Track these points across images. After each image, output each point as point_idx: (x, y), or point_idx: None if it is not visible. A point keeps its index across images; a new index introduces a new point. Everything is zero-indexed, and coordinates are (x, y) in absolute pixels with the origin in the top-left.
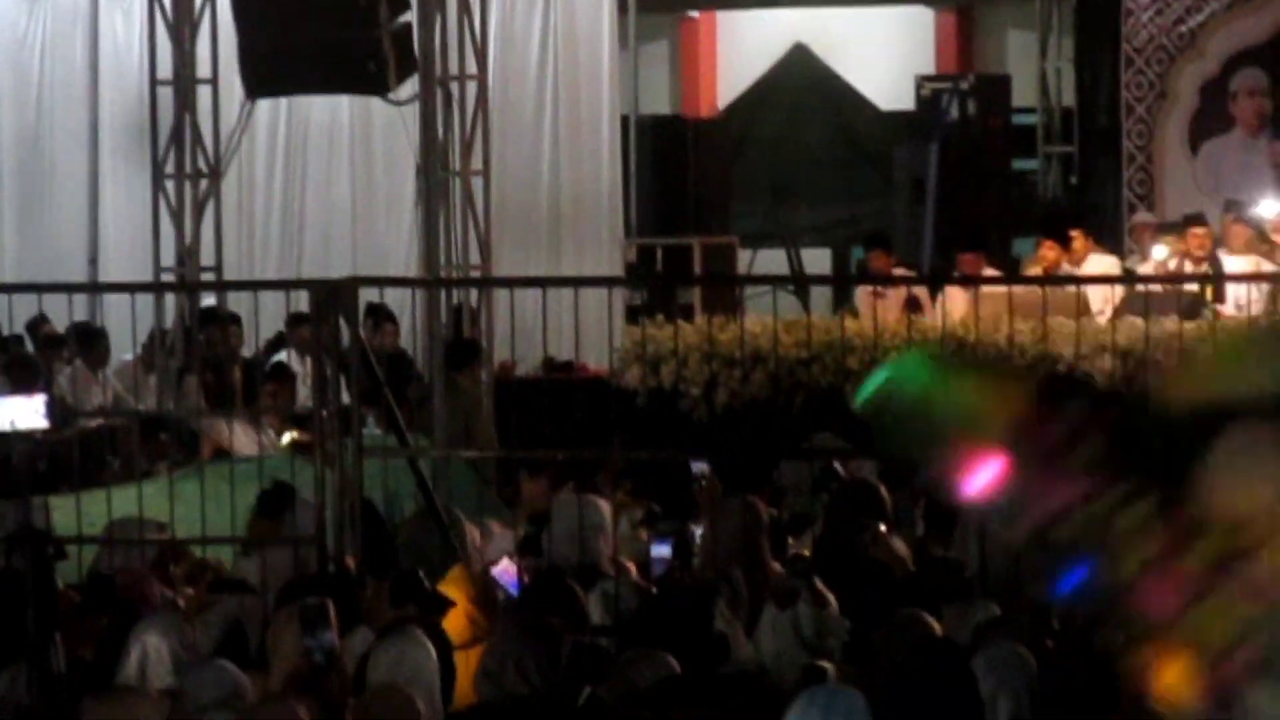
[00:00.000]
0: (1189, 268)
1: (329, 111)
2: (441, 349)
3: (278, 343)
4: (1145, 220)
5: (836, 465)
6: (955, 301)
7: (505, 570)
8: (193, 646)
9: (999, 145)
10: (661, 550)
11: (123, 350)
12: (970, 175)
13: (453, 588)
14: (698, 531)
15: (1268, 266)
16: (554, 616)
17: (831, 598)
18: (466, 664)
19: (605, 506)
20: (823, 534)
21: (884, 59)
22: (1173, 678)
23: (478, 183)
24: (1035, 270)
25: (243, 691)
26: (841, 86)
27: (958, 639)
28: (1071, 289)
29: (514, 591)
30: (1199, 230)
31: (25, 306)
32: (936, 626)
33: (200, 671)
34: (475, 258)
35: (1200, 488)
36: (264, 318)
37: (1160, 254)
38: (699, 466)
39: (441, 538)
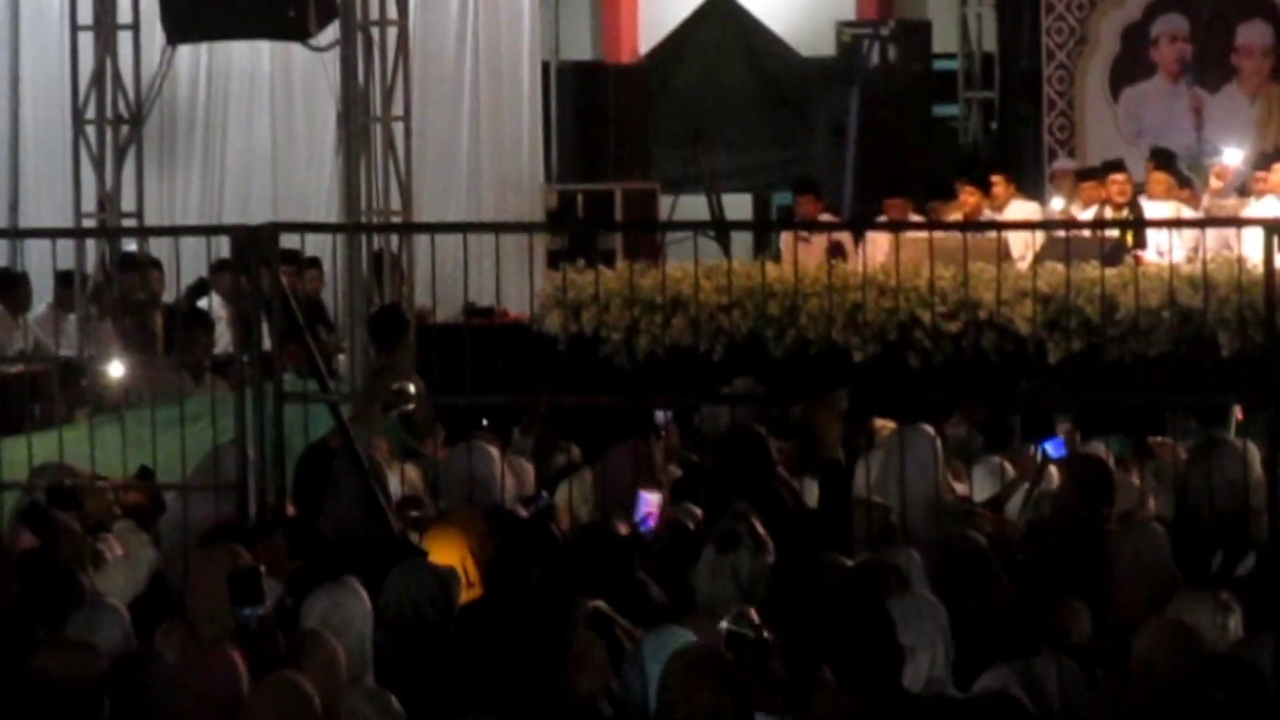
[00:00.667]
0: (1110, 214)
1: (250, 57)
2: (362, 294)
3: (199, 288)
4: (1065, 166)
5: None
6: (877, 247)
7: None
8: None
9: (920, 91)
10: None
11: (44, 296)
12: (891, 121)
13: (453, 533)
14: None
15: (1188, 213)
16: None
17: (770, 544)
18: None
19: (495, 454)
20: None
21: (805, 5)
22: None
23: (399, 129)
24: (957, 216)
25: (129, 637)
26: (762, 32)
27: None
28: (993, 235)
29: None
30: (1119, 176)
31: None
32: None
33: (87, 616)
34: (396, 203)
35: None
36: (185, 263)
37: (1059, 204)
38: (662, 415)
39: (361, 483)
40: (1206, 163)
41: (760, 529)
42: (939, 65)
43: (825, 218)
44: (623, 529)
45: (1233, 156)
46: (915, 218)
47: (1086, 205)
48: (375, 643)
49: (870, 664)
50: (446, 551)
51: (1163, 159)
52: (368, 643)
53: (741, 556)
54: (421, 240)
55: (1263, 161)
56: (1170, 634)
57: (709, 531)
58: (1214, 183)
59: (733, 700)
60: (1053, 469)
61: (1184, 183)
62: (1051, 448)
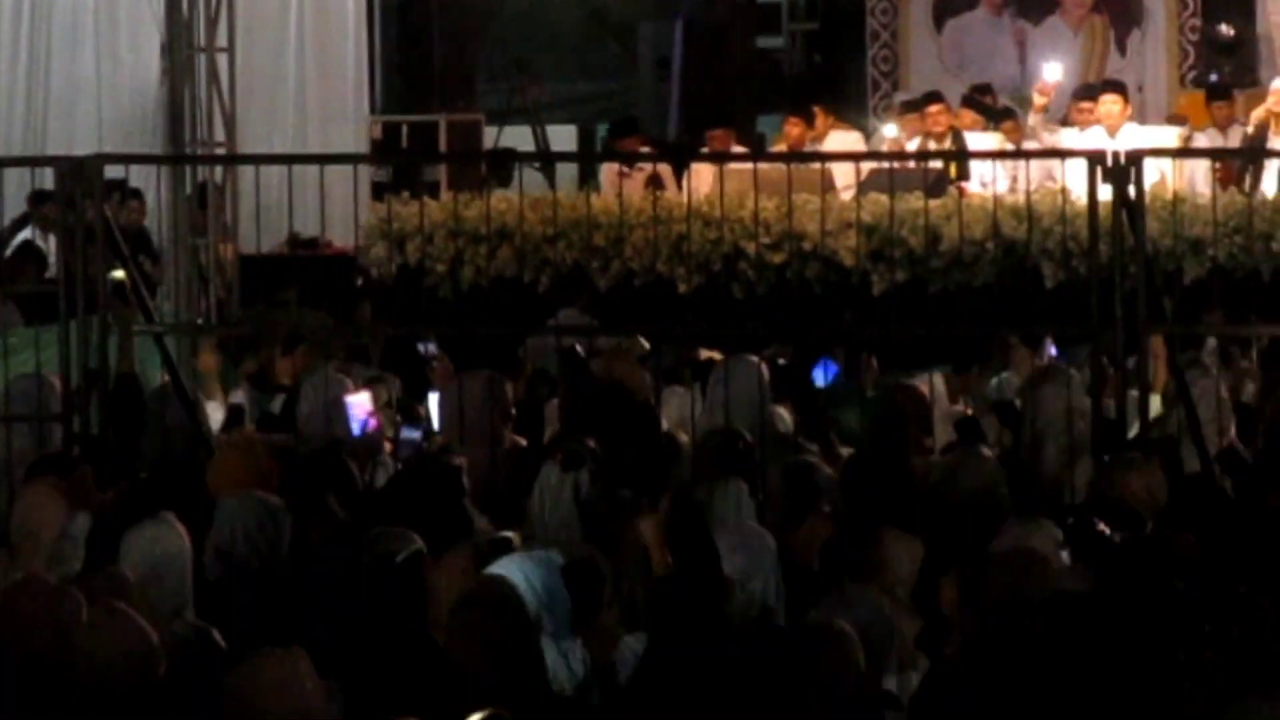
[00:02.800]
0: (932, 145)
1: None
2: (186, 226)
3: (23, 220)
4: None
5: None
6: (701, 178)
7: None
8: None
9: (744, 22)
10: (412, 434)
11: None
12: (715, 53)
13: (235, 465)
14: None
15: (1010, 145)
16: (330, 491)
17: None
18: None
19: (350, 384)
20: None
21: None
22: None
23: (223, 60)
24: (781, 147)
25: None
26: None
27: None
28: (816, 166)
29: (356, 428)
30: (934, 107)
31: None
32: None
33: None
34: (221, 135)
35: None
36: (9, 195)
37: (891, 132)
38: (429, 347)
39: (187, 413)
40: (1030, 93)
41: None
42: None
43: (645, 150)
44: (459, 460)
45: (1052, 72)
46: (736, 148)
47: (910, 137)
48: (215, 575)
49: (694, 594)
50: (230, 482)
51: (971, 96)
52: (187, 577)
53: (583, 476)
54: (246, 172)
55: (1085, 92)
56: (1021, 563)
57: (545, 454)
58: (1038, 99)
59: (516, 634)
60: None
61: (1006, 115)
62: (821, 372)
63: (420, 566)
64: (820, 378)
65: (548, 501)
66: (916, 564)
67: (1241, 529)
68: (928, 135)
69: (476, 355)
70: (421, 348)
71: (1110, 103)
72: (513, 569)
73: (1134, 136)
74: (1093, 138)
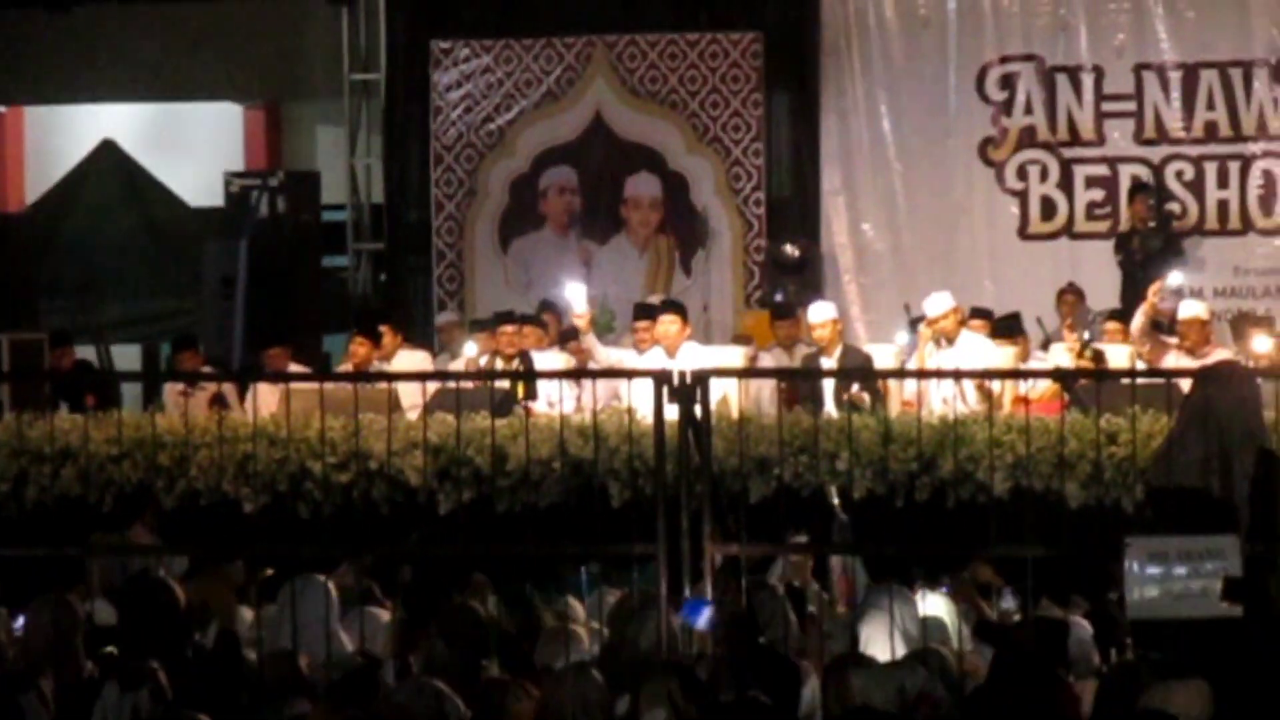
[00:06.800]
0: (500, 364)
1: None
2: None
3: None
4: (449, 320)
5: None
6: (266, 398)
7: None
8: None
9: (309, 242)
10: None
11: None
12: (280, 272)
13: None
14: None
15: (577, 365)
16: None
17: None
18: None
19: None
20: None
21: (193, 155)
22: None
23: None
24: (347, 367)
25: None
26: (150, 183)
27: None
28: (383, 385)
29: None
30: (508, 328)
31: None
32: None
33: None
34: None
35: None
36: None
37: (471, 350)
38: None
39: None
40: (595, 312)
41: (164, 679)
42: (328, 216)
43: (208, 370)
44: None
45: (575, 292)
46: (297, 367)
47: (479, 355)
48: None
49: None
50: None
51: (536, 316)
52: None
53: (143, 697)
54: None
55: (644, 312)
56: None
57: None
58: (579, 322)
59: None
60: None
61: (570, 335)
62: None
63: None
64: None
65: None
66: None
67: None
68: (496, 354)
69: (42, 577)
70: None
71: (668, 323)
72: None
73: (694, 356)
74: (653, 358)
